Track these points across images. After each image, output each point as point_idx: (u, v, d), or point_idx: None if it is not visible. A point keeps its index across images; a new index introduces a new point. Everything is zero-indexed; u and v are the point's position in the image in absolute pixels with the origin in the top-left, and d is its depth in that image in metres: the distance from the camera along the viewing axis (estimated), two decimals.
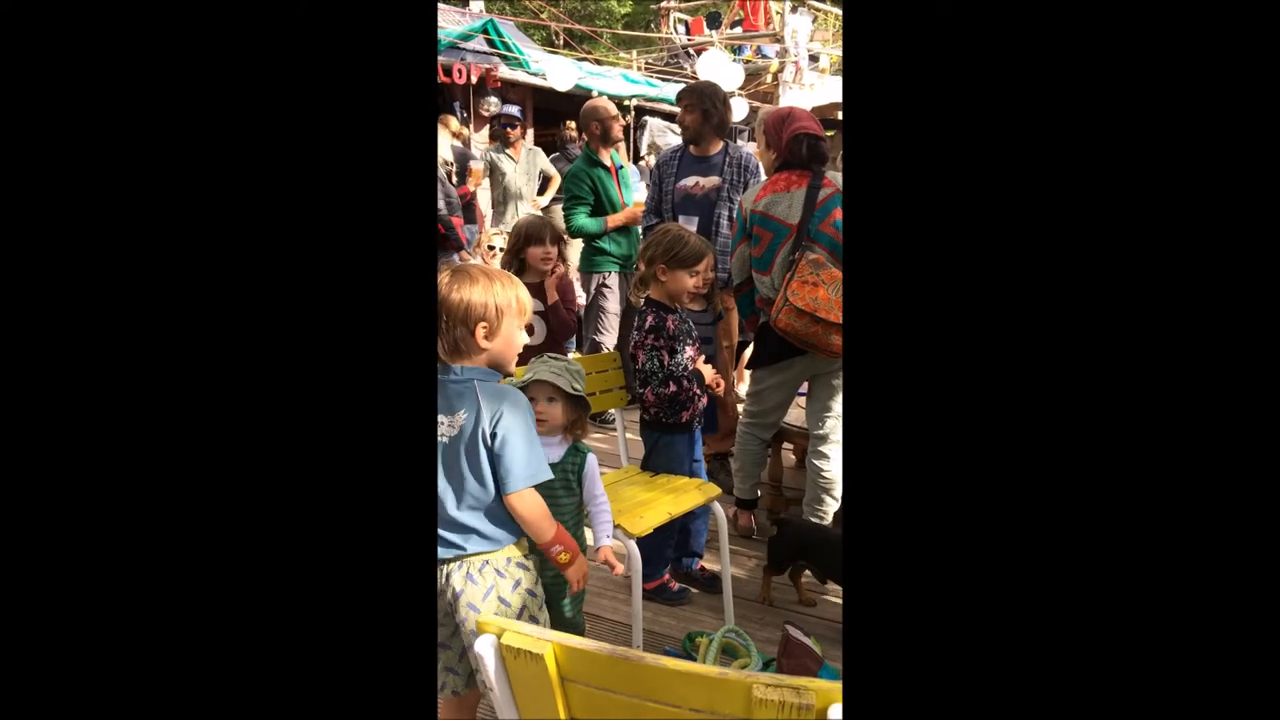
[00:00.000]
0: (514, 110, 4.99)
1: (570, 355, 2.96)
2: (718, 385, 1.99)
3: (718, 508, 1.92)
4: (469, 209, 4.54)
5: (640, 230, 3.12)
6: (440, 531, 1.16)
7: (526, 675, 0.74)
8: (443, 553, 1.17)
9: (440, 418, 1.16)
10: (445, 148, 3.83)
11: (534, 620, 1.21)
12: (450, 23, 8.05)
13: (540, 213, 4.21)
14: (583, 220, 3.11)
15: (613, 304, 3.20)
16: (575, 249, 3.72)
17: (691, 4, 12.47)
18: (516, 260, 2.30)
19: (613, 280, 3.18)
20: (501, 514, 1.19)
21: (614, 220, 3.13)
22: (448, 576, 1.18)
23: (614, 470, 2.10)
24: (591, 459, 1.50)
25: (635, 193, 4.33)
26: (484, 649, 0.74)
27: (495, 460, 1.15)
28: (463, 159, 4.78)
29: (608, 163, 3.17)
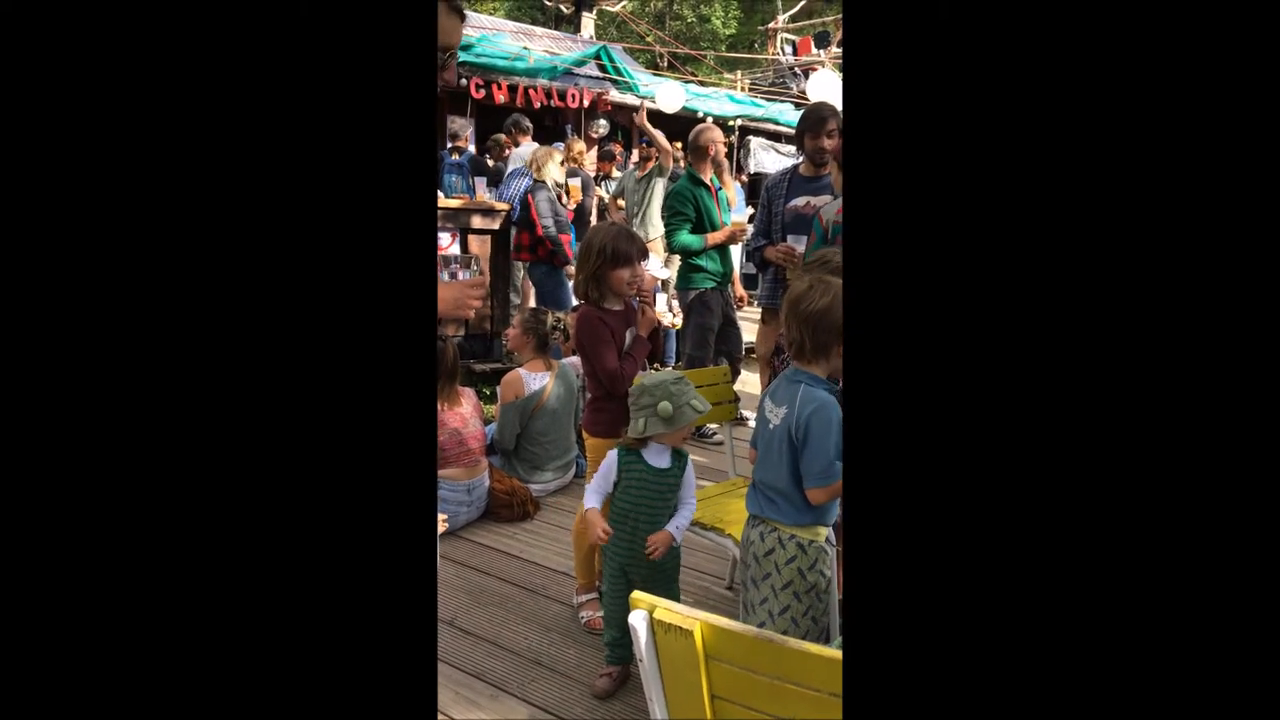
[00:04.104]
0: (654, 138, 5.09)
1: (668, 368, 3.05)
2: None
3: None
4: (584, 225, 4.75)
5: (743, 250, 3.18)
6: (766, 493, 1.42)
7: (675, 650, 0.82)
8: (762, 509, 1.42)
9: (771, 404, 1.42)
10: (559, 171, 4.04)
11: (797, 599, 1.39)
12: (563, 49, 8.45)
13: (619, 221, 4.29)
14: (685, 237, 3.22)
15: (710, 320, 3.28)
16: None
17: (799, 24, 12.46)
18: (596, 285, 1.85)
19: (710, 296, 3.26)
20: (799, 499, 1.37)
21: (714, 238, 3.23)
22: (760, 534, 1.41)
23: (722, 482, 2.16)
24: (690, 465, 1.69)
25: (738, 213, 4.40)
26: (637, 622, 0.83)
27: (798, 457, 1.35)
28: (582, 181, 4.99)
29: (709, 182, 3.28)
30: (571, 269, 4.12)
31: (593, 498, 1.66)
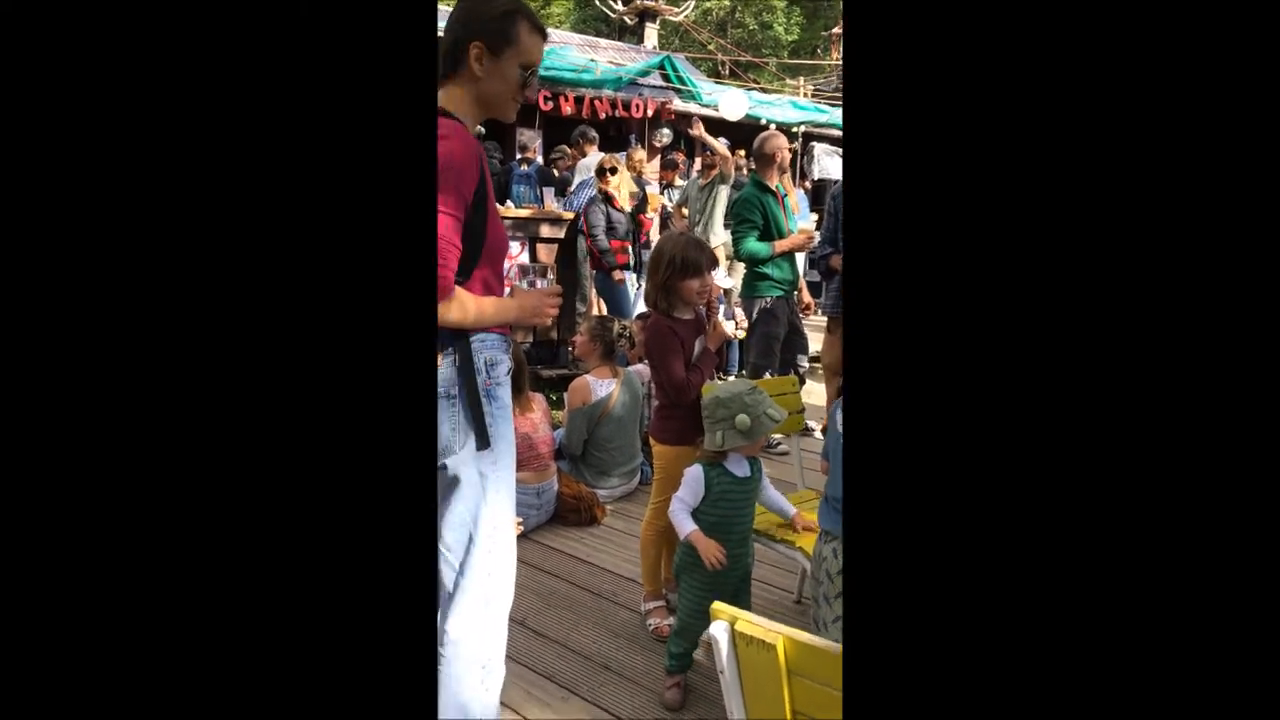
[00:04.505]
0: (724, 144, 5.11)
1: (730, 378, 3.04)
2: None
3: None
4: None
5: (806, 257, 3.14)
6: (839, 509, 1.40)
7: (756, 663, 0.82)
8: (836, 526, 1.42)
9: (843, 416, 1.42)
10: (631, 180, 4.11)
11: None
12: (627, 60, 8.56)
13: (684, 231, 4.31)
14: (753, 244, 3.19)
15: (776, 329, 3.25)
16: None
17: None
18: (666, 294, 1.85)
19: (777, 305, 3.23)
20: None
21: (781, 245, 3.19)
22: (834, 550, 1.42)
23: (790, 494, 2.14)
24: (763, 469, 1.75)
25: (802, 220, 4.35)
26: (719, 633, 0.83)
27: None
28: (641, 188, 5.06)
29: (775, 189, 3.25)
30: (620, 275, 4.19)
31: (687, 519, 1.61)
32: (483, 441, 1.23)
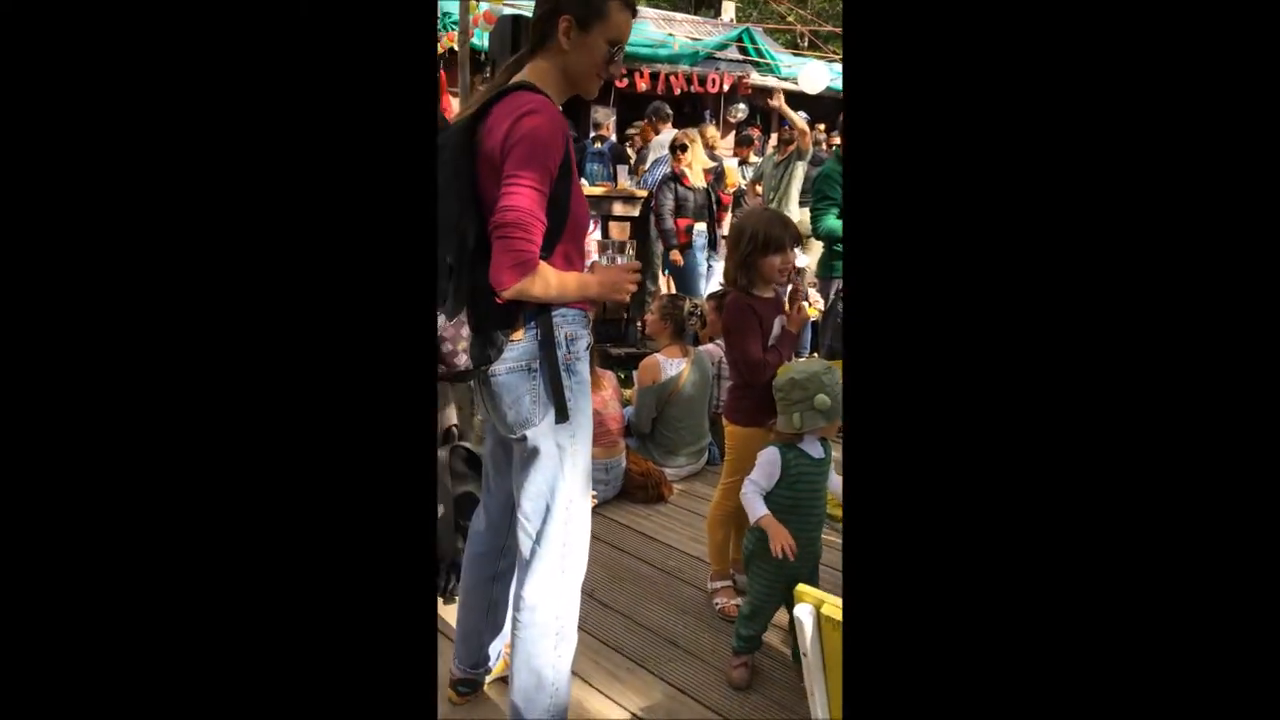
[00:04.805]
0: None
1: (803, 359, 2.97)
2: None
3: None
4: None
5: None
6: None
7: (840, 646, 0.80)
8: None
9: None
10: (705, 157, 4.06)
11: None
12: (703, 34, 8.39)
13: (764, 207, 4.23)
14: (832, 221, 3.08)
15: None
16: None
17: None
18: (746, 271, 1.80)
19: None
20: None
21: None
22: None
23: None
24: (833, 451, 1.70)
25: None
26: (804, 615, 0.82)
27: None
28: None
29: None
30: (677, 255, 4.14)
31: (760, 502, 1.58)
32: (562, 415, 1.25)
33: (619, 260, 1.35)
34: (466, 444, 2.23)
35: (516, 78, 1.23)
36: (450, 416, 2.38)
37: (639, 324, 4.44)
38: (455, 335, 1.16)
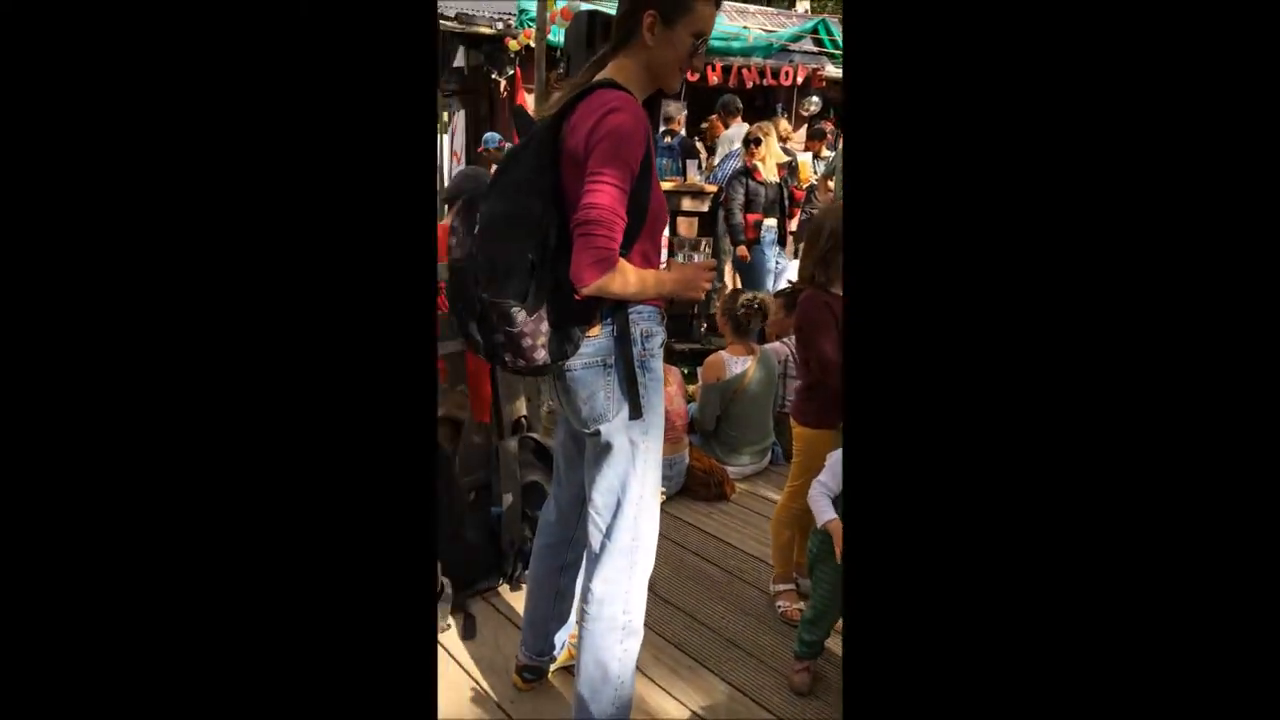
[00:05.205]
0: None
1: None
2: None
3: None
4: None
5: None
6: None
7: None
8: None
9: None
10: (779, 151, 3.99)
11: None
12: (778, 25, 8.22)
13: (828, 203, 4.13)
14: None
15: None
16: None
17: None
18: (825, 268, 1.76)
19: None
20: None
21: None
22: None
23: None
24: None
25: None
26: None
27: None
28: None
29: None
30: (743, 251, 4.08)
31: (828, 506, 1.55)
32: (635, 411, 1.25)
33: (695, 258, 1.34)
34: (534, 435, 2.28)
35: (599, 76, 1.24)
36: (520, 408, 2.44)
37: (703, 321, 4.41)
38: (535, 330, 1.18)
